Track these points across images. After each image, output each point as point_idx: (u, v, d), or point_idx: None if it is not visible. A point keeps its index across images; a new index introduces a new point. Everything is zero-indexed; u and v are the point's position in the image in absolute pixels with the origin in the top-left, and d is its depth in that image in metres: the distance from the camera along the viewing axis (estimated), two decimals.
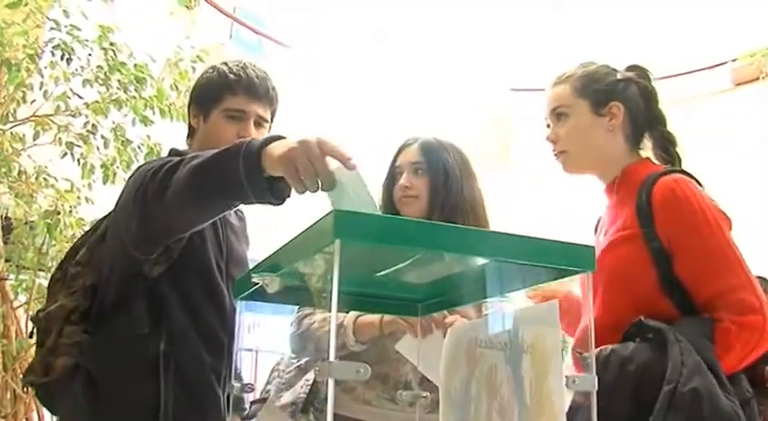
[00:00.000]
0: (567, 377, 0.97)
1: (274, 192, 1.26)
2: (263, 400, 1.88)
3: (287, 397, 1.82)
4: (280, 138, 1.24)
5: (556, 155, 1.75)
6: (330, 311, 0.83)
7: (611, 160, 1.71)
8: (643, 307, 1.50)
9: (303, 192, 1.19)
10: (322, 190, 1.17)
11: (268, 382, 1.94)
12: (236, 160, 1.25)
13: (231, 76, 1.76)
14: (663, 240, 1.53)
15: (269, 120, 1.82)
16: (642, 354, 1.42)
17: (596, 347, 1.42)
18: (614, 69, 1.77)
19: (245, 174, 1.23)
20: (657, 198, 1.55)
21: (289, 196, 1.28)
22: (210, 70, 1.85)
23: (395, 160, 1.99)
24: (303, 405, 1.78)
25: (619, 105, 1.70)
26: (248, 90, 1.75)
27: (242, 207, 1.82)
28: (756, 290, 1.47)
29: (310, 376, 1.83)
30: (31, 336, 1.89)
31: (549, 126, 1.76)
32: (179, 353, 1.62)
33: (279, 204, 1.28)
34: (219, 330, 1.69)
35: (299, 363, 1.90)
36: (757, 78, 6.89)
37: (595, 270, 0.99)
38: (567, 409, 1.01)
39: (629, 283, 1.55)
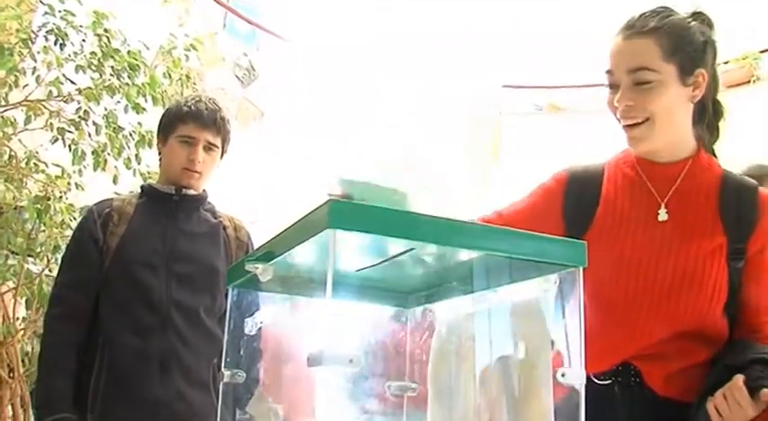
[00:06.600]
0: (555, 370, 0.98)
1: None
2: None
3: None
4: None
5: (629, 125, 1.43)
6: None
7: (683, 137, 1.48)
8: (704, 318, 1.40)
9: None
10: None
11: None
12: None
13: (184, 108, 2.14)
14: (746, 260, 1.40)
15: (219, 146, 2.16)
16: None
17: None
18: (691, 22, 1.45)
19: None
20: (765, 217, 1.42)
21: None
22: (173, 104, 2.27)
23: None
24: None
25: (704, 74, 1.43)
26: (197, 119, 2.11)
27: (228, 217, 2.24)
28: None
29: None
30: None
31: (614, 85, 1.44)
32: (110, 343, 1.96)
33: None
34: (149, 319, 1.98)
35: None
36: (748, 81, 6.92)
37: (586, 266, 0.99)
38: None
39: (702, 290, 1.40)
